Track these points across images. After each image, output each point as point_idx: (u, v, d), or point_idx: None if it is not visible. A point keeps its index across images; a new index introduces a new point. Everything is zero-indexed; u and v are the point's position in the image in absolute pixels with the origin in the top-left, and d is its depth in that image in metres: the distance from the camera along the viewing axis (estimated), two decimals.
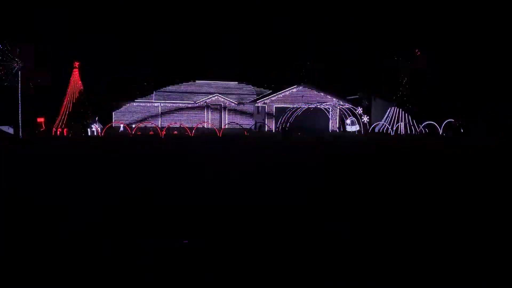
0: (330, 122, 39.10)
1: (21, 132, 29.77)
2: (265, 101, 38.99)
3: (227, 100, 41.94)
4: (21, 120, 30.07)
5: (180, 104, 41.90)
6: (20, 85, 30.15)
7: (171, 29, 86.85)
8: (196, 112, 42.17)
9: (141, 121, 39.28)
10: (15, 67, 29.99)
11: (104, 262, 3.80)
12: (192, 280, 3.41)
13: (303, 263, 3.81)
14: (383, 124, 35.38)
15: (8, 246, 4.35)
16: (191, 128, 33.89)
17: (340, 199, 7.08)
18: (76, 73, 34.16)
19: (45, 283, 3.37)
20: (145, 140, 26.14)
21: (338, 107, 39.41)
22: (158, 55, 71.94)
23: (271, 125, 37.78)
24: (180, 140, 26.90)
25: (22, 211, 6.04)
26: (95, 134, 31.87)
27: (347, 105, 38.96)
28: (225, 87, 44.99)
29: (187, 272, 3.58)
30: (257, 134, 34.49)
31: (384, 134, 33.90)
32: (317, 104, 37.37)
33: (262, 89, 47.01)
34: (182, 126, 34.97)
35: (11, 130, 28.77)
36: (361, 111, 37.41)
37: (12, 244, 4.41)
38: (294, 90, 39.31)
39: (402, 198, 7.21)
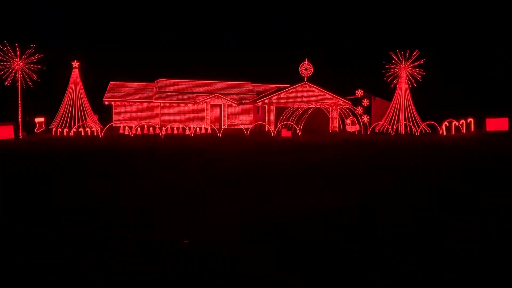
0: (330, 122, 39.06)
1: (21, 131, 29.76)
2: (265, 101, 38.94)
3: (227, 100, 41.91)
4: (21, 120, 30.06)
5: (181, 104, 41.89)
6: (20, 85, 30.13)
7: (170, 29, 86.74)
8: (196, 112, 42.16)
9: (140, 121, 39.21)
10: (15, 67, 29.98)
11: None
12: None
13: None
14: (383, 124, 35.34)
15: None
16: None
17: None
18: (75, 73, 34.13)
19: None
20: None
21: (338, 107, 39.37)
22: (157, 54, 71.85)
23: (270, 125, 37.72)
24: None
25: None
26: (94, 134, 31.83)
27: (347, 105, 38.93)
28: (225, 87, 44.95)
29: None
30: (257, 134, 34.46)
31: (384, 134, 33.86)
32: (317, 103, 37.34)
33: (261, 87, 46.98)
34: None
35: (11, 129, 28.71)
36: (361, 111, 37.37)
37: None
38: (295, 90, 39.26)
39: None
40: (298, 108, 36.41)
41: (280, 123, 35.05)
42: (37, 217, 7.53)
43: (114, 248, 5.73)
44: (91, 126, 32.93)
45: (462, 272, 4.89)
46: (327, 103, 38.25)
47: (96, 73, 44.44)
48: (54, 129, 32.85)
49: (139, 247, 5.75)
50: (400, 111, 34.51)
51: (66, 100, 34.04)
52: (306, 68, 38.36)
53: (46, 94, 37.75)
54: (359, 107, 37.31)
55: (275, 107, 38.64)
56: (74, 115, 33.40)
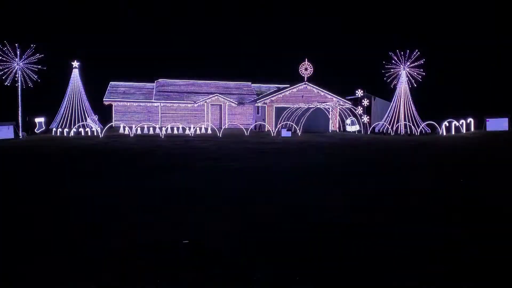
0: (330, 122, 39.08)
1: (21, 131, 29.79)
2: (265, 101, 38.95)
3: (227, 100, 41.93)
4: (21, 119, 30.07)
5: (181, 105, 41.92)
6: (20, 85, 30.16)
7: (171, 28, 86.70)
8: (196, 113, 42.18)
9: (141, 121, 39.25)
10: (15, 67, 30.01)
11: None
12: None
13: None
14: (383, 124, 35.33)
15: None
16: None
17: None
18: (75, 73, 34.13)
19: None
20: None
21: (338, 107, 39.39)
22: (157, 54, 71.81)
23: (271, 125, 37.72)
24: None
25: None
26: (94, 134, 31.83)
27: (347, 105, 38.95)
28: (225, 87, 44.98)
29: None
30: (257, 134, 34.47)
31: (384, 134, 33.86)
32: (317, 104, 37.34)
33: (261, 87, 47.00)
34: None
35: (11, 129, 28.73)
36: (361, 111, 37.42)
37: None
38: (295, 90, 39.28)
39: None
40: (298, 108, 36.40)
41: (280, 123, 35.02)
42: (37, 216, 7.54)
43: (114, 248, 5.73)
44: (91, 126, 32.94)
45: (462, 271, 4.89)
46: (327, 103, 38.25)
47: (96, 73, 44.46)
48: (54, 129, 32.86)
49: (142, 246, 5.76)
50: (400, 111, 34.49)
51: (66, 100, 34.06)
52: (306, 68, 38.35)
53: (46, 94, 37.75)
54: (359, 107, 37.35)
55: (275, 107, 38.66)
56: (74, 115, 33.40)
